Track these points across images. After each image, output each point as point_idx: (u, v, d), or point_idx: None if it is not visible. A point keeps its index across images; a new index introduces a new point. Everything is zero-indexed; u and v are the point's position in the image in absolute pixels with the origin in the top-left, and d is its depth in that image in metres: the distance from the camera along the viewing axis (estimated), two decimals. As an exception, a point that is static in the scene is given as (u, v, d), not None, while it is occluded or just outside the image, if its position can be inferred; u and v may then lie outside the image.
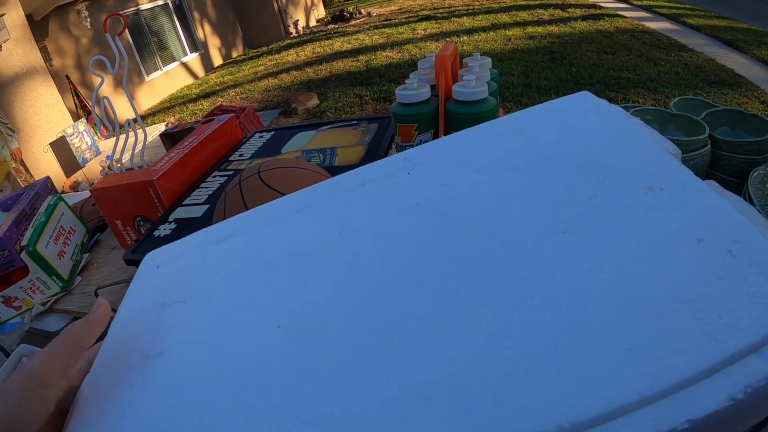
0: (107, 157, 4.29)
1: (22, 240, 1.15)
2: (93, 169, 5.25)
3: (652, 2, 11.98)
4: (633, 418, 0.25)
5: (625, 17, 10.04)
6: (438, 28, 9.46)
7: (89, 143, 5.11)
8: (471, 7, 11.44)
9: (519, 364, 0.28)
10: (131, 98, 1.52)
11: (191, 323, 0.39)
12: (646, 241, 0.32)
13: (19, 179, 4.42)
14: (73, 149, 4.96)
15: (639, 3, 11.88)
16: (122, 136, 1.55)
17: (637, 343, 0.27)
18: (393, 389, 0.29)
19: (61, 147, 5.01)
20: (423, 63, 1.15)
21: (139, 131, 1.54)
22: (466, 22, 9.79)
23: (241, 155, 1.29)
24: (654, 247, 0.31)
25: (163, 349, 0.38)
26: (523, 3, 11.78)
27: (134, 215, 1.16)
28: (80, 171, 5.17)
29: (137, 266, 0.88)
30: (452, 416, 0.27)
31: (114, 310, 0.44)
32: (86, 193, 1.77)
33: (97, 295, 0.95)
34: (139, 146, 1.58)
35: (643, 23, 9.56)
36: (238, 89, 7.08)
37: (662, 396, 0.25)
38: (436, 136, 1.04)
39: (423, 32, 9.17)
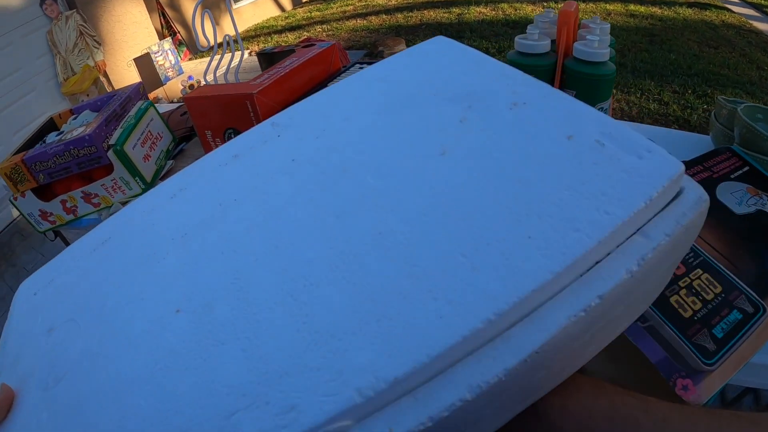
0: (189, 77, 4.35)
1: (110, 139, 1.17)
2: (174, 87, 5.33)
3: (763, 1, 11.33)
4: (550, 304, 0.28)
5: (733, 12, 9.50)
6: (536, -10, 9.16)
7: (173, 62, 5.18)
8: (574, -26, 10.98)
9: (433, 276, 0.29)
10: (232, 14, 1.50)
11: (85, 338, 0.37)
12: (520, 148, 0.34)
13: (105, 88, 4.54)
14: (157, 66, 5.04)
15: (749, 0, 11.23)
16: (218, 53, 1.54)
17: (536, 230, 0.29)
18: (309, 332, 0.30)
19: (144, 63, 5.09)
20: (541, 17, 1.10)
21: (236, 50, 1.53)
22: (566, -11, 9.42)
23: (340, 83, 1.26)
24: (530, 151, 0.34)
25: (60, 374, 0.35)
26: (629, -18, 11.26)
27: (226, 127, 1.16)
28: (161, 88, 5.24)
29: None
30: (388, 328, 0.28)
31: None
32: (173, 105, 1.78)
33: None
34: (235, 63, 1.57)
35: (750, 21, 9.03)
36: (324, 26, 7.02)
37: (573, 274, 0.28)
38: (550, 92, 0.99)
39: (520, -8, 8.89)
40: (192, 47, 6.15)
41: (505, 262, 0.29)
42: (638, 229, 0.31)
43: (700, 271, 0.62)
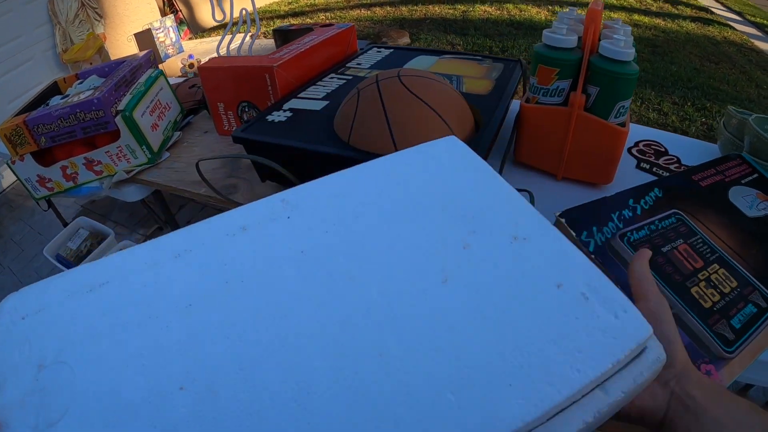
0: (189, 56, 4.32)
1: (119, 104, 1.15)
2: (173, 65, 5.27)
3: (766, 21, 11.43)
4: None
5: (736, 30, 9.55)
6: (541, -5, 9.18)
7: (174, 39, 5.12)
8: (579, -18, 11.05)
9: (424, 409, 0.32)
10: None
11: (79, 387, 0.36)
12: (516, 289, 0.37)
13: (109, 58, 4.49)
14: (157, 43, 4.98)
15: (752, 19, 11.31)
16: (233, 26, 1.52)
17: (518, 380, 0.33)
18: None
19: (145, 38, 5.04)
20: (565, 15, 1.11)
21: (250, 25, 1.51)
22: (572, -4, 9.48)
23: (359, 64, 1.27)
24: (523, 294, 0.37)
25: (53, 419, 0.34)
26: (633, -9, 11.32)
27: (241, 100, 1.14)
28: (161, 65, 5.19)
29: (245, 145, 0.87)
30: None
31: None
32: (180, 79, 1.76)
33: (198, 167, 0.93)
34: (249, 38, 1.55)
35: (752, 40, 9.09)
36: (328, 14, 6.97)
37: (539, 422, 0.32)
38: (574, 87, 1.02)
39: (525, -5, 8.90)
40: (193, 26, 6.09)
41: (486, 405, 0.32)
42: (599, 385, 0.34)
43: (717, 266, 0.68)
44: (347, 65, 1.25)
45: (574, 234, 0.66)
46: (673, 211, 0.75)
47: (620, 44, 0.95)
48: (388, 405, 0.33)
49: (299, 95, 1.07)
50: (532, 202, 0.87)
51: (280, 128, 0.91)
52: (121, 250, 1.45)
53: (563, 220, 0.68)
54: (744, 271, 0.69)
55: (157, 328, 0.39)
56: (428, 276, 0.39)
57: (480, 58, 1.31)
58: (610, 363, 0.34)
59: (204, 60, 1.94)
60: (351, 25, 1.36)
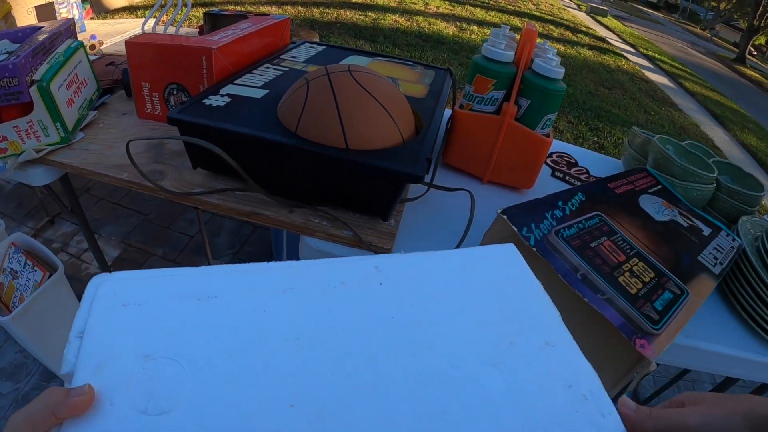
0: (92, 36, 4.10)
1: (35, 73, 1.03)
2: (73, 41, 5.02)
3: (656, 55, 12.24)
4: None
5: (629, 60, 10.20)
6: (451, 10, 9.39)
7: (77, 17, 4.84)
8: (486, 1, 11.41)
9: None
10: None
11: (190, 386, 0.40)
12: (542, 382, 0.46)
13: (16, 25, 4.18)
14: (58, 18, 4.71)
15: (644, 51, 12.11)
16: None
17: None
18: None
19: (46, 12, 4.73)
20: (500, 31, 1.18)
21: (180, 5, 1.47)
22: (479, 13, 9.77)
23: (293, 57, 1.27)
24: (547, 387, 0.45)
25: (165, 408, 0.38)
26: (537, 14, 11.84)
27: (169, 81, 1.10)
28: (61, 42, 4.90)
29: (180, 127, 0.84)
30: None
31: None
32: (95, 56, 1.66)
33: (128, 148, 0.89)
34: (178, 18, 1.50)
35: (643, 71, 9.74)
36: (238, 7, 6.84)
37: None
38: (506, 98, 1.08)
39: (435, 9, 9.08)
40: (96, 6, 5.79)
41: None
42: None
43: (636, 260, 0.81)
44: (281, 57, 1.25)
45: (515, 229, 0.74)
46: (595, 213, 0.87)
47: (552, 63, 1.04)
48: None
49: (235, 81, 1.05)
50: (472, 201, 0.92)
51: (219, 113, 0.89)
52: (13, 242, 1.34)
53: (504, 216, 0.76)
54: (659, 264, 0.82)
55: (268, 350, 0.43)
56: (485, 360, 0.47)
57: (411, 63, 1.34)
58: None
59: (107, 43, 1.85)
60: (286, 18, 1.36)
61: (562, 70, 1.05)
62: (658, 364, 0.67)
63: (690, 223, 0.96)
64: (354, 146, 0.83)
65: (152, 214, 2.51)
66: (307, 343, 0.45)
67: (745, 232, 1.05)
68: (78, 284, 2.07)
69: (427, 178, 1.00)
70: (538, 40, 1.12)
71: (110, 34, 2.08)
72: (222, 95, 0.96)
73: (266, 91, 1.01)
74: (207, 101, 0.93)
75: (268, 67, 1.16)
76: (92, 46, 1.75)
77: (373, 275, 0.53)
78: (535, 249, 0.72)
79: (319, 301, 0.49)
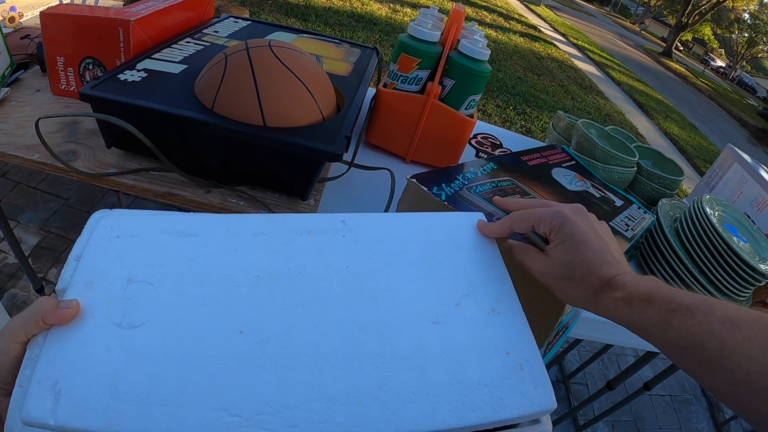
0: (12, 7, 3.90)
1: None
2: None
3: (586, 45, 12.57)
4: None
5: (559, 48, 10.43)
6: (385, -7, 9.38)
7: (-6, -17, 4.60)
8: (421, -15, 11.43)
9: (393, 394, 0.44)
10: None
11: (161, 307, 0.45)
12: (480, 345, 0.49)
13: None
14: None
15: (575, 41, 12.42)
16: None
17: (455, 400, 0.45)
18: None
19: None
20: (428, 11, 1.18)
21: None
22: (413, -3, 9.79)
23: (216, 32, 1.23)
24: (484, 351, 0.49)
25: (136, 323, 0.44)
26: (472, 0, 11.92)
27: (85, 55, 1.06)
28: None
29: (93, 104, 0.81)
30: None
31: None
32: (8, 29, 1.57)
33: (38, 127, 0.84)
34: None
35: (572, 60, 9.99)
36: (169, -20, 6.64)
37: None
38: (431, 77, 1.08)
39: (370, -10, 9.05)
40: None
41: (431, 408, 0.44)
42: (502, 428, 0.46)
43: None
44: (204, 31, 1.21)
45: (425, 189, 0.74)
46: (508, 177, 0.87)
47: (478, 44, 1.04)
48: (373, 380, 0.44)
49: (153, 56, 1.00)
50: (393, 179, 0.92)
51: (134, 88, 0.85)
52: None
53: (414, 180, 0.75)
54: None
55: (230, 284, 0.49)
56: (427, 316, 0.51)
57: (338, 41, 1.32)
58: (518, 414, 0.45)
59: (28, 15, 1.75)
60: (209, -9, 1.32)
61: (488, 52, 1.05)
62: (581, 340, 0.68)
63: (602, 194, 0.98)
64: (272, 123, 0.81)
65: (72, 198, 2.41)
66: (266, 281, 0.50)
67: (664, 213, 1.09)
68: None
69: (349, 157, 0.99)
70: (467, 22, 1.12)
71: (32, 6, 1.97)
72: (138, 70, 0.93)
73: (185, 66, 0.97)
74: (122, 76, 0.89)
75: (188, 42, 1.12)
76: (12, 19, 1.66)
77: (338, 228, 0.57)
78: (446, 203, 0.72)
79: (284, 246, 0.54)
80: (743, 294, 1.01)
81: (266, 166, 0.86)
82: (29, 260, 2.03)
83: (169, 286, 0.47)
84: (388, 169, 0.94)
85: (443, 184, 0.76)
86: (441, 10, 1.20)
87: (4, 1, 2.49)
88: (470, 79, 1.05)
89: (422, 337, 0.49)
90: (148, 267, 0.48)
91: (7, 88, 1.16)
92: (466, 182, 0.79)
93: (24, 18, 1.68)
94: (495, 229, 0.63)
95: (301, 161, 0.83)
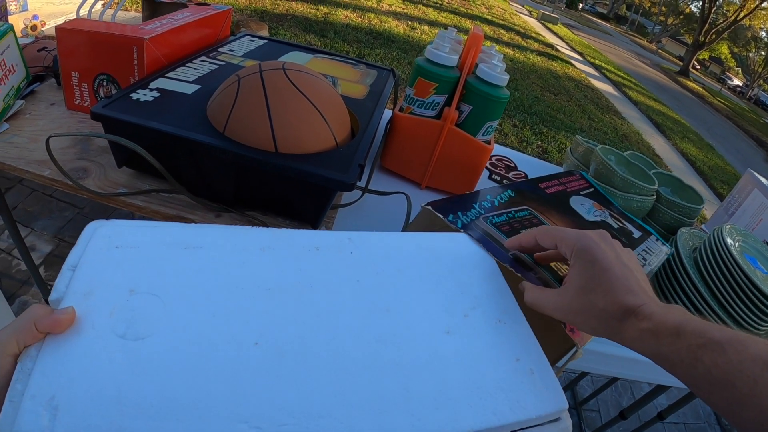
0: (34, 16, 3.94)
1: None
2: (14, 24, 4.78)
3: (603, 64, 12.57)
4: None
5: (576, 67, 10.43)
6: (403, 9, 9.42)
7: (17, -7, 4.66)
8: (439, 2, 11.50)
9: (410, 399, 0.44)
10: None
11: (168, 320, 0.44)
12: (491, 353, 0.51)
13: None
14: (-1, -5, 4.51)
15: (591, 60, 12.42)
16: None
17: (476, 403, 0.46)
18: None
19: (-15, -15, 4.54)
20: (446, 34, 1.17)
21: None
22: (431, 13, 9.83)
23: (231, 50, 1.22)
24: (495, 358, 0.51)
25: (142, 334, 0.42)
26: (489, 18, 12.01)
27: (99, 71, 1.05)
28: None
29: (104, 123, 0.80)
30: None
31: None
32: (26, 40, 1.57)
33: (48, 144, 0.83)
34: (113, 6, 1.44)
35: (589, 79, 9.98)
36: (188, -6, 6.70)
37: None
38: (448, 102, 1.06)
39: (388, 7, 9.10)
40: None
41: (452, 413, 0.44)
42: (524, 428, 0.47)
43: None
44: (219, 50, 1.20)
45: (441, 216, 0.73)
46: (525, 207, 0.84)
47: (497, 69, 1.02)
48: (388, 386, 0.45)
49: (167, 75, 0.99)
50: (408, 203, 0.91)
51: (146, 108, 0.84)
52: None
53: (430, 208, 0.74)
54: None
55: (241, 295, 0.48)
56: (439, 327, 0.52)
57: (354, 61, 1.31)
58: (535, 415, 0.46)
59: (50, 24, 1.76)
60: (228, 8, 1.31)
61: (506, 77, 1.03)
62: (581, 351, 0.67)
63: (620, 225, 0.96)
64: (284, 149, 0.80)
65: (87, 208, 2.41)
66: (277, 293, 0.50)
67: (683, 243, 1.06)
68: (8, 282, 1.98)
69: (363, 182, 0.97)
70: (486, 43, 1.10)
71: (54, 15, 1.97)
72: (151, 89, 0.91)
73: (198, 87, 0.96)
74: (135, 95, 0.88)
75: (203, 60, 1.11)
76: (34, 27, 1.67)
77: (346, 244, 0.59)
78: (463, 230, 0.70)
79: (293, 260, 0.54)
80: (763, 327, 0.97)
81: (277, 192, 0.84)
82: (42, 268, 2.04)
83: (175, 297, 0.46)
84: (404, 193, 0.92)
85: (459, 213, 0.75)
86: (460, 30, 1.18)
87: (27, 8, 2.50)
88: (488, 105, 1.03)
89: (437, 346, 0.50)
90: (151, 278, 0.47)
91: (22, 101, 1.15)
92: (483, 211, 0.77)
93: (46, 26, 1.68)
94: (522, 238, 0.65)
95: (312, 189, 0.81)
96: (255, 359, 0.43)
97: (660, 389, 1.63)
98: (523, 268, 0.67)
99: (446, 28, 1.17)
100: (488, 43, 7.23)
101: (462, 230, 0.70)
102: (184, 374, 0.40)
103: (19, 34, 3.92)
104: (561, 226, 0.82)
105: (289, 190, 0.83)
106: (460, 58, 1.09)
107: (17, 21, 4.46)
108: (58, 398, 0.36)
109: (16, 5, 4.52)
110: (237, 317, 0.46)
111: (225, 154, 0.78)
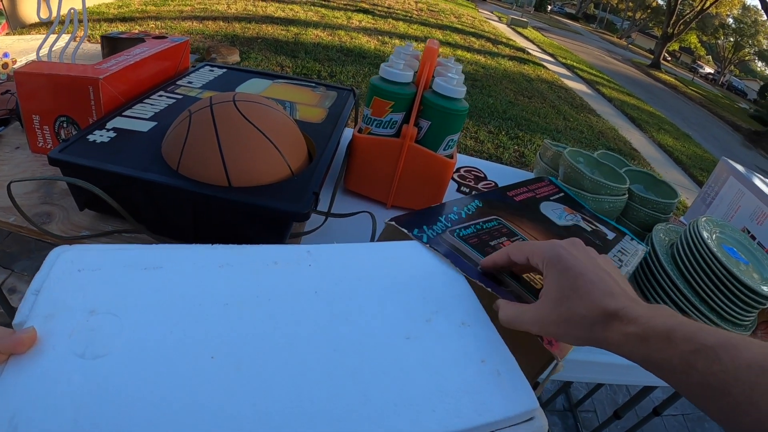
0: (5, 54, 3.93)
1: None
2: (-19, 62, 4.75)
3: (575, 63, 12.69)
4: None
5: (548, 69, 10.52)
6: (373, 24, 9.48)
7: (-12, 34, 4.61)
8: (409, 15, 11.57)
9: (376, 408, 0.44)
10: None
11: (126, 337, 0.44)
12: (455, 356, 0.51)
13: None
14: (-33, 36, 4.48)
15: (563, 60, 12.54)
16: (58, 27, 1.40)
17: (440, 407, 0.46)
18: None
19: (-48, 29, 4.51)
20: (402, 50, 1.17)
21: (78, 28, 1.40)
22: (401, 27, 9.89)
23: (190, 82, 1.21)
24: (459, 361, 0.51)
25: (100, 353, 0.42)
26: (459, 27, 12.10)
27: (59, 113, 1.05)
28: (-35, 60, 4.62)
29: (62, 168, 0.79)
30: None
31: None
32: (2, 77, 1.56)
33: (9, 190, 0.83)
34: (74, 43, 1.44)
35: (562, 79, 10.06)
36: (159, 23, 6.65)
37: None
38: (406, 120, 1.06)
39: (358, 23, 9.15)
40: (12, 20, 5.49)
41: (417, 417, 0.44)
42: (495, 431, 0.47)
43: None
44: (177, 83, 1.20)
45: (406, 231, 0.71)
46: (494, 217, 0.84)
47: (453, 82, 1.01)
48: (353, 394, 0.45)
49: (125, 113, 0.99)
50: (373, 221, 0.91)
51: (102, 150, 0.84)
52: None
53: (393, 223, 0.73)
54: None
55: (198, 312, 0.49)
56: (399, 332, 0.53)
57: (314, 84, 1.32)
58: (503, 416, 0.46)
59: (21, 61, 1.75)
60: (185, 40, 1.31)
61: (463, 89, 1.03)
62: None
63: (593, 227, 0.95)
64: (237, 183, 0.79)
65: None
66: (235, 307, 0.50)
67: (659, 240, 1.06)
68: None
69: (326, 207, 0.98)
70: (443, 54, 1.11)
71: (26, 51, 1.96)
72: (108, 129, 0.91)
73: (154, 124, 0.96)
74: (92, 137, 0.88)
75: (161, 96, 1.10)
76: (5, 65, 1.66)
77: (304, 257, 0.60)
78: (428, 245, 0.69)
79: (251, 275, 0.55)
80: (747, 318, 0.97)
81: (234, 226, 0.84)
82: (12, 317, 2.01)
83: (133, 316, 0.47)
84: (367, 212, 0.92)
85: (425, 227, 0.73)
86: (421, 46, 1.18)
87: (-4, 45, 2.48)
88: (446, 119, 1.02)
89: (398, 352, 0.50)
90: (112, 299, 0.48)
91: (-14, 146, 1.15)
92: (449, 224, 0.76)
93: (18, 64, 1.67)
94: (495, 257, 0.64)
95: (267, 221, 0.81)
96: (212, 373, 0.43)
97: (642, 394, 1.64)
98: (493, 283, 0.66)
99: (403, 43, 1.17)
100: (443, 51, 7.23)
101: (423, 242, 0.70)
102: (140, 391, 0.40)
103: (-9, 74, 3.87)
104: (532, 234, 0.82)
105: (245, 224, 0.83)
106: (416, 73, 1.09)
107: (-14, 60, 4.38)
108: (18, 418, 0.37)
109: (-27, 49, 4.47)
110: (193, 333, 0.46)
111: (179, 193, 0.78)
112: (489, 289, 0.64)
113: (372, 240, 0.90)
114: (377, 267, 0.61)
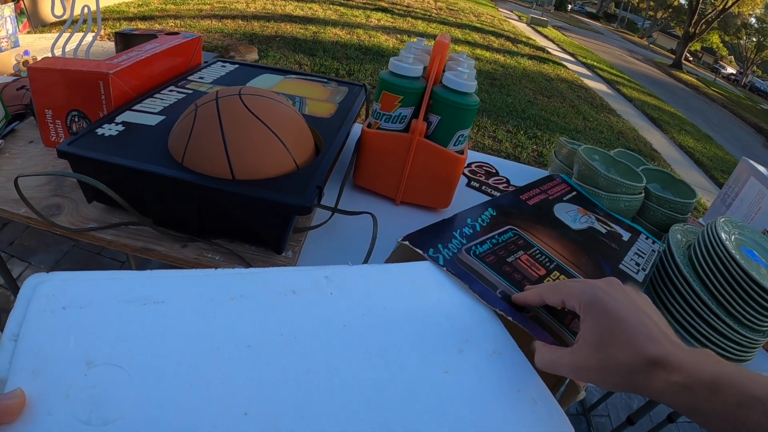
0: (25, 51, 3.97)
1: None
2: (5, 61, 4.77)
3: (595, 63, 12.61)
4: None
5: (568, 68, 10.45)
6: (392, 22, 9.48)
7: (10, 31, 4.61)
8: (428, 13, 11.57)
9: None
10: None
11: (138, 396, 0.37)
12: (493, 387, 0.50)
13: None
14: (-11, 33, 4.51)
15: (583, 60, 12.46)
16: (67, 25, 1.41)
17: None
18: None
19: (-25, 26, 4.57)
20: (413, 45, 1.16)
21: (91, 24, 1.41)
22: (420, 25, 9.88)
23: (201, 78, 1.22)
24: (497, 391, 0.50)
25: (109, 418, 0.35)
26: (478, 25, 12.07)
27: (71, 108, 1.05)
28: (-10, 58, 4.69)
29: (70, 161, 0.80)
30: None
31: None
32: (8, 78, 1.59)
33: (17, 184, 0.83)
34: (88, 39, 1.45)
35: (582, 79, 9.99)
36: (178, 21, 6.71)
37: None
38: (416, 115, 1.05)
39: (377, 22, 9.15)
40: (34, 19, 5.57)
41: None
42: None
43: (558, 273, 0.75)
44: (189, 78, 1.20)
45: (421, 252, 0.68)
46: (509, 227, 0.81)
47: (463, 76, 1.00)
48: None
49: (134, 107, 1.00)
50: (375, 224, 0.89)
51: (110, 143, 0.84)
52: None
53: (407, 243, 0.69)
54: (580, 276, 0.76)
55: (218, 357, 0.42)
56: (436, 367, 0.50)
57: (326, 80, 1.31)
58: None
59: (40, 58, 1.77)
60: (197, 36, 1.31)
61: (474, 83, 1.01)
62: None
63: (608, 228, 0.93)
64: (241, 176, 0.79)
65: (82, 240, 2.42)
66: (260, 350, 0.44)
67: (676, 242, 1.02)
68: (6, 317, 1.98)
69: (332, 202, 0.97)
70: (455, 49, 1.09)
71: (46, 50, 1.98)
72: (117, 123, 0.92)
73: (162, 118, 0.96)
74: (101, 131, 0.88)
75: (171, 90, 1.11)
76: (26, 63, 1.68)
77: (323, 285, 0.55)
78: (445, 268, 0.66)
79: (270, 309, 0.50)
80: (765, 323, 0.93)
81: (238, 219, 0.83)
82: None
83: (141, 367, 0.39)
84: (369, 213, 0.91)
85: (440, 245, 0.70)
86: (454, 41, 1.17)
87: (19, 45, 2.51)
88: (457, 114, 1.01)
89: (439, 388, 0.48)
90: (111, 345, 0.40)
91: (1, 141, 1.16)
92: (465, 241, 0.74)
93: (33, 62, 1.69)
94: (528, 296, 0.62)
95: (269, 214, 0.80)
96: (247, 429, 0.38)
97: (653, 402, 1.61)
98: (512, 308, 0.63)
99: (415, 39, 1.16)
100: (462, 49, 7.21)
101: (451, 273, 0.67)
102: None
103: (11, 70, 3.93)
104: (548, 243, 0.80)
105: (248, 217, 0.82)
106: (426, 68, 1.08)
107: (9, 57, 4.44)
108: None
109: (7, 42, 4.53)
110: (218, 384, 0.40)
111: (182, 185, 0.78)
112: (509, 318, 0.61)
113: (372, 244, 0.88)
114: (399, 294, 0.58)
